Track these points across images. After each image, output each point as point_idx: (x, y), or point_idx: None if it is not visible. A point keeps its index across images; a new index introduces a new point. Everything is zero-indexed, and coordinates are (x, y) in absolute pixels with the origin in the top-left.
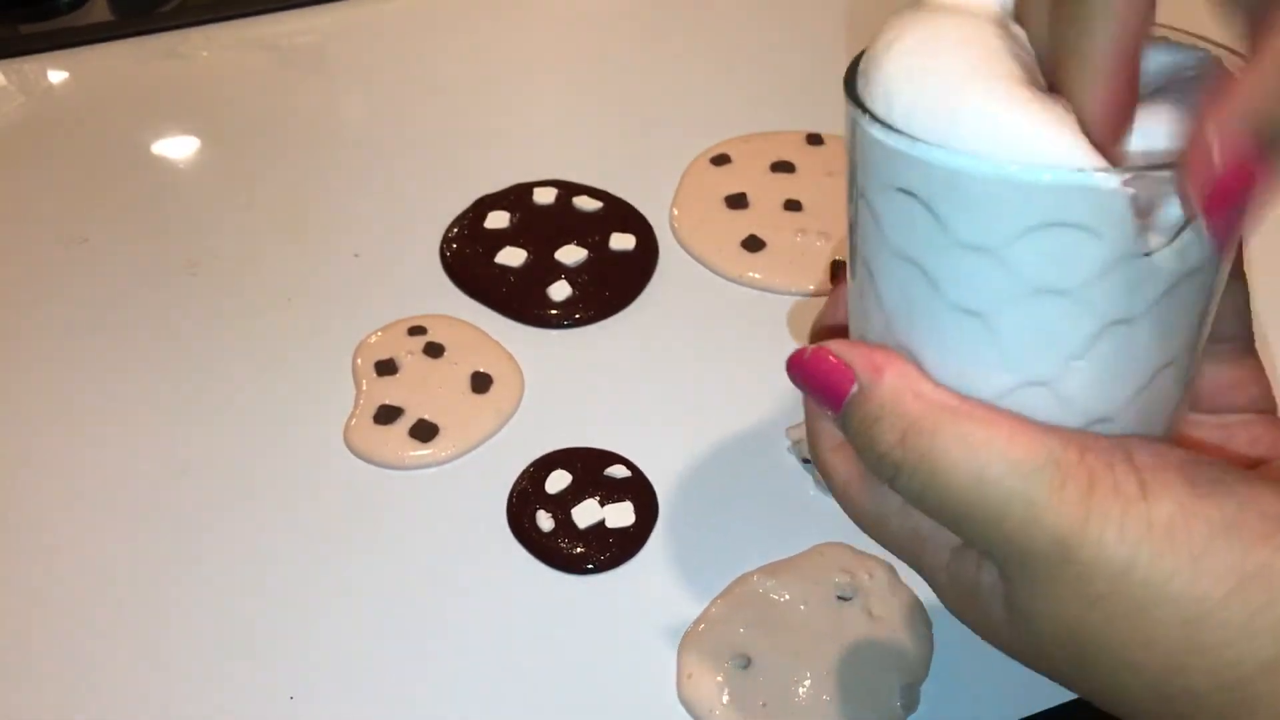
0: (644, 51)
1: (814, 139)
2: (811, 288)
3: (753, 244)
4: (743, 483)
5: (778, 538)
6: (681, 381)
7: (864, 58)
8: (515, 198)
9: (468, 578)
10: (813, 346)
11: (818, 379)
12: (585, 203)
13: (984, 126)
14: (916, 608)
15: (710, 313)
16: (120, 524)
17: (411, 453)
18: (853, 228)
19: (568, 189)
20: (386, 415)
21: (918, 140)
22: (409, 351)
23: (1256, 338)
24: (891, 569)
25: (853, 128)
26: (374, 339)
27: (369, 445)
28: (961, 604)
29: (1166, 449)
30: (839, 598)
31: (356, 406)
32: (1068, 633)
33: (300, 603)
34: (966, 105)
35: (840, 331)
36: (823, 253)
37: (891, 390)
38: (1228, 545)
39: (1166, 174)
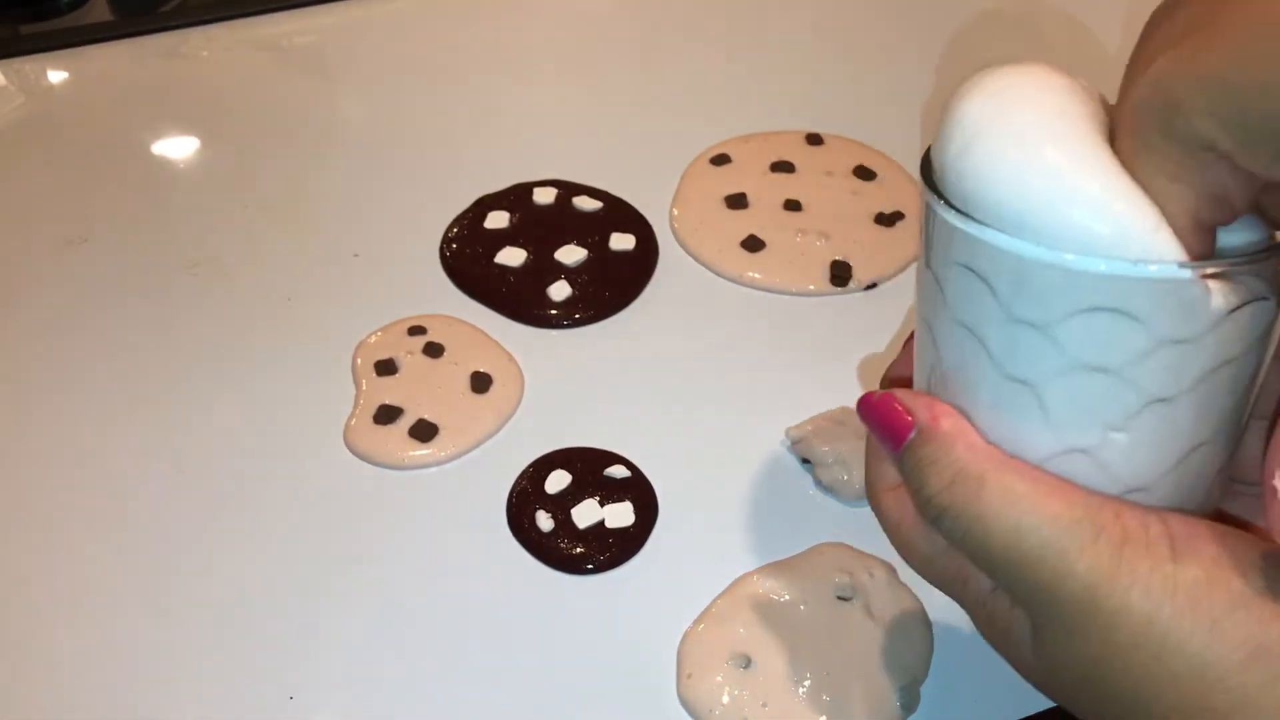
0: (644, 51)
1: (814, 139)
2: (811, 287)
3: (752, 244)
4: (743, 483)
5: (778, 538)
6: (681, 381)
7: (939, 137)
8: (515, 198)
9: (468, 578)
10: (882, 391)
11: (883, 421)
12: (585, 203)
13: (1067, 204)
14: (916, 608)
15: (710, 313)
16: (119, 523)
17: (411, 453)
18: (920, 291)
19: (568, 189)
20: (386, 415)
21: (982, 224)
22: (409, 351)
23: None
24: (891, 569)
25: (925, 207)
26: (374, 339)
27: (369, 445)
28: (996, 638)
29: (1198, 521)
30: (839, 598)
31: (356, 406)
32: (1088, 675)
33: (300, 603)
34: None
35: (908, 382)
36: (822, 253)
37: (946, 438)
38: (1247, 616)
39: (1216, 268)
